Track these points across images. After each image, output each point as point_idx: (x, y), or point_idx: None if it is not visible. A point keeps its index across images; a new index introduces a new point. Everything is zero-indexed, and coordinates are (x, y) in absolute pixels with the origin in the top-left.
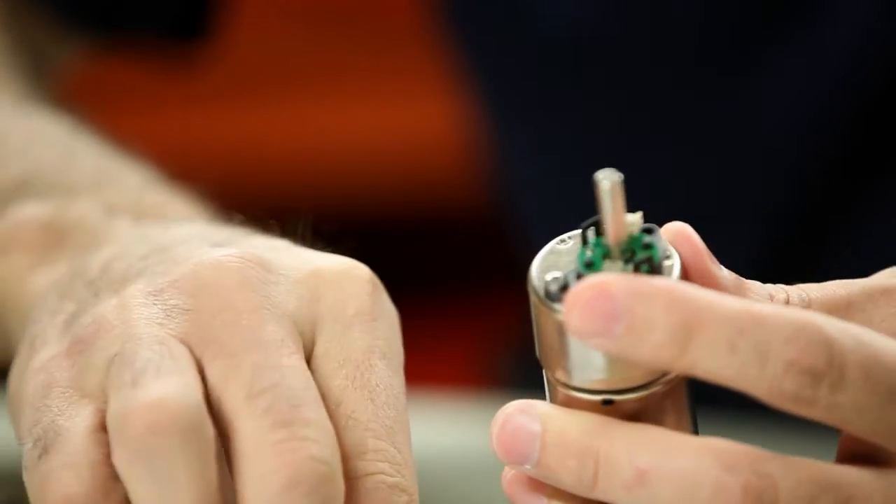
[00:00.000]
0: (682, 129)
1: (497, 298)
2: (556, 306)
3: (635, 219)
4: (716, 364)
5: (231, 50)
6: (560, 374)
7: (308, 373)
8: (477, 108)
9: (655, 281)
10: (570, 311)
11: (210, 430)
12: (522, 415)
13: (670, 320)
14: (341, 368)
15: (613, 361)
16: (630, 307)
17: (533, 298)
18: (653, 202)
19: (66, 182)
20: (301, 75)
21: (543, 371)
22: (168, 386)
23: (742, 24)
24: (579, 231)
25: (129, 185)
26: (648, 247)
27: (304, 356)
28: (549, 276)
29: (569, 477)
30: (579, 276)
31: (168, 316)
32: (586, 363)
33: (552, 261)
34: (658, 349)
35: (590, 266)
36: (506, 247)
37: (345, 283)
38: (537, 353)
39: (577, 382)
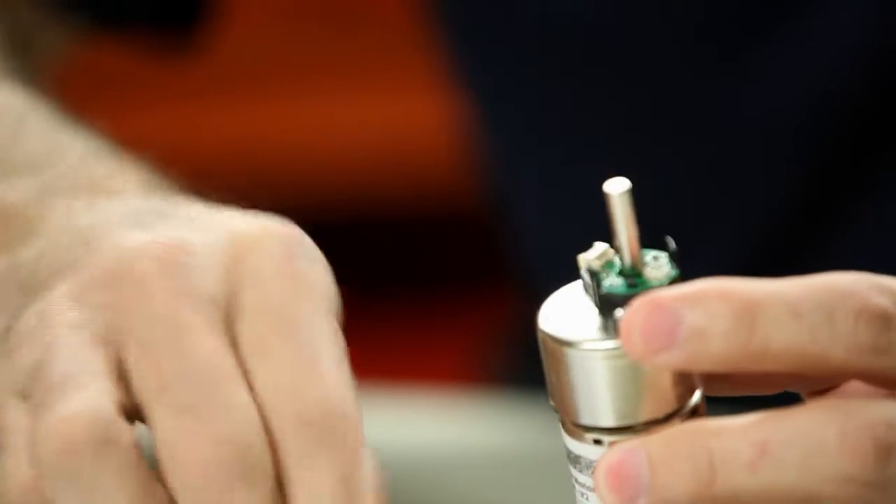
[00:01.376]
0: (682, 118)
1: (489, 295)
2: (598, 345)
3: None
4: (786, 335)
5: (222, 45)
6: (605, 420)
7: (223, 352)
8: (468, 103)
9: (697, 283)
10: (630, 337)
11: (128, 436)
12: (625, 453)
13: (729, 307)
14: (266, 326)
15: (648, 391)
16: (686, 310)
17: (569, 351)
18: (652, 195)
19: (9, 160)
20: (291, 70)
21: (572, 425)
22: (77, 402)
23: (744, 9)
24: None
25: (72, 161)
26: (660, 259)
27: (224, 334)
28: (570, 319)
29: (685, 482)
30: (609, 302)
31: (90, 317)
32: (625, 398)
33: (559, 307)
34: (729, 339)
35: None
36: (498, 243)
37: (262, 244)
38: (570, 412)
39: (615, 423)
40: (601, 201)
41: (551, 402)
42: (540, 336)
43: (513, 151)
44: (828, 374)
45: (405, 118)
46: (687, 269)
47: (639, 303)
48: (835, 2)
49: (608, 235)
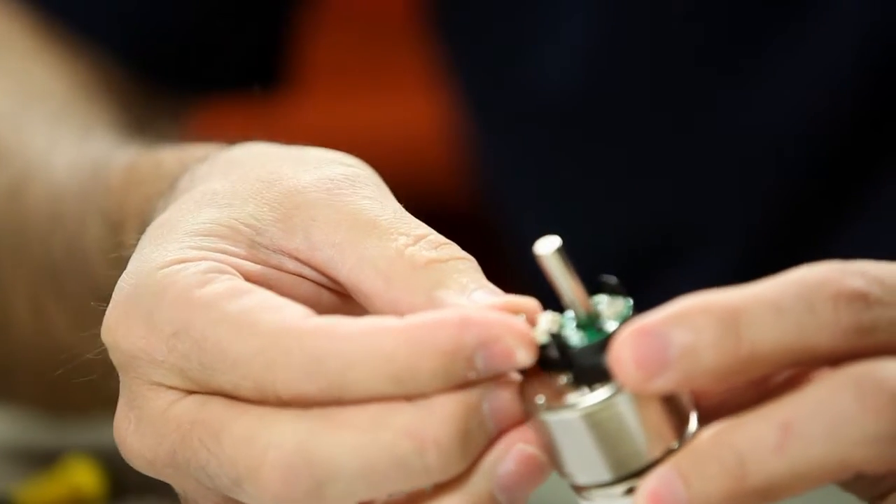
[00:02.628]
0: (680, 127)
1: None
2: (577, 405)
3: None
4: (772, 333)
5: None
6: (606, 475)
7: None
8: (460, 110)
9: (675, 303)
10: (623, 369)
11: None
12: (658, 478)
13: (713, 318)
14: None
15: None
16: (672, 331)
17: (557, 419)
18: (650, 204)
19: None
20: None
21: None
22: None
23: (741, 23)
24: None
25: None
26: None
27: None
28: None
29: (718, 482)
30: (584, 355)
31: None
32: (622, 449)
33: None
34: (718, 348)
35: (586, 337)
36: (493, 243)
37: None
38: (577, 479)
39: (611, 477)
40: (594, 204)
41: (569, 481)
42: (548, 424)
43: (499, 163)
44: (818, 363)
45: (399, 120)
46: (685, 277)
47: (624, 334)
48: (832, 8)
49: (553, 296)
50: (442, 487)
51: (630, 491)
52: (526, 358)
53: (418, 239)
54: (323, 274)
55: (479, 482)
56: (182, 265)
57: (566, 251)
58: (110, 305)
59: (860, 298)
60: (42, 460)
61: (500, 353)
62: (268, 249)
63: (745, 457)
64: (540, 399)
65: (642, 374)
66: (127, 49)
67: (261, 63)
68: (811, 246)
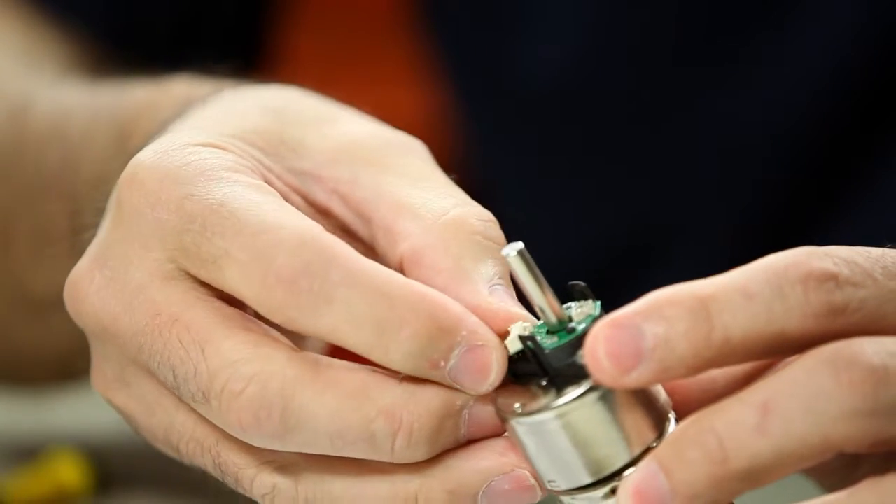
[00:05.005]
0: (666, 123)
1: None
2: (554, 407)
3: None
4: (743, 318)
5: None
6: (583, 477)
7: None
8: (447, 102)
9: (645, 297)
10: (597, 364)
11: None
12: (639, 472)
13: (683, 307)
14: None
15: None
16: (644, 323)
17: (535, 421)
18: (629, 202)
19: None
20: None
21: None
22: None
23: (723, 21)
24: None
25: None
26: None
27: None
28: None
29: (700, 467)
30: (558, 357)
31: None
32: (598, 450)
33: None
34: (690, 337)
35: (559, 338)
36: None
37: None
38: (558, 484)
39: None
40: (577, 201)
41: (550, 487)
42: (524, 425)
43: (494, 160)
44: (791, 349)
45: (386, 112)
46: (668, 274)
47: (597, 328)
48: (814, 6)
49: (524, 298)
50: (400, 466)
51: (613, 492)
52: (494, 381)
53: (467, 204)
54: (355, 211)
55: (436, 475)
56: (215, 150)
57: (532, 255)
58: (129, 164)
59: (830, 279)
60: (26, 453)
61: (476, 360)
62: (304, 175)
63: (725, 439)
64: (517, 406)
65: (617, 367)
66: (108, 32)
67: (242, 54)
68: (794, 243)
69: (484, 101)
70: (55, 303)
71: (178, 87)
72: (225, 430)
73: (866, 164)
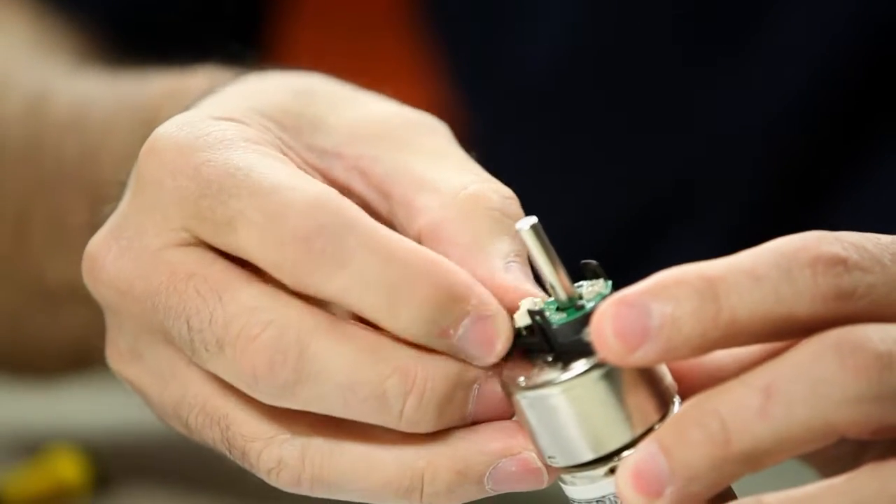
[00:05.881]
0: (663, 112)
1: None
2: (561, 382)
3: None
4: (751, 300)
5: None
6: (587, 454)
7: None
8: (447, 98)
9: (653, 276)
10: (604, 341)
11: None
12: (639, 453)
13: (691, 287)
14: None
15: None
16: (652, 302)
17: (541, 395)
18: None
19: None
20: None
21: (569, 475)
22: None
23: (724, 14)
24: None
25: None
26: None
27: None
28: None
29: (701, 449)
30: (566, 332)
31: None
32: (604, 425)
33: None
34: (698, 317)
35: (567, 314)
36: None
37: None
38: (558, 461)
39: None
40: (577, 191)
41: (551, 463)
42: (528, 399)
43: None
44: (798, 332)
45: None
46: (673, 255)
47: (604, 306)
48: (806, 17)
49: (538, 274)
50: (408, 443)
51: (612, 471)
52: (500, 351)
53: (487, 181)
54: (375, 188)
55: (444, 455)
56: (235, 123)
57: (546, 232)
58: (149, 137)
59: (839, 263)
60: (25, 450)
61: (484, 330)
62: (325, 152)
63: (728, 421)
64: (521, 380)
65: (623, 345)
66: (109, 25)
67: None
68: (798, 226)
69: (484, 97)
70: (71, 294)
71: (200, 77)
72: (236, 384)
73: (860, 155)
